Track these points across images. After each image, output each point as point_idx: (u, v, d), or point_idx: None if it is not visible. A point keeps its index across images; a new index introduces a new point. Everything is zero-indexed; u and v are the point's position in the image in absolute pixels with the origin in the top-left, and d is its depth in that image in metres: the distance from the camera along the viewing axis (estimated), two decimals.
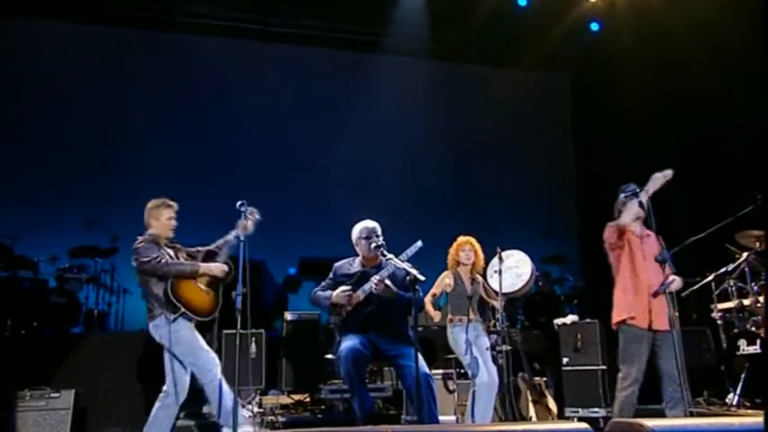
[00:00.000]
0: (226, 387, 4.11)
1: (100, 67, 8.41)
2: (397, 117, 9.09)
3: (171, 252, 4.36)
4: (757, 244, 5.36)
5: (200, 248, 4.49)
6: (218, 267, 4.31)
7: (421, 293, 4.31)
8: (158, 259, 4.15)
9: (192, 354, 4.17)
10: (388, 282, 4.18)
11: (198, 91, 8.66)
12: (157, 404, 4.18)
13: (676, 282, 4.25)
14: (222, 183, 7.99)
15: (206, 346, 4.26)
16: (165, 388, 4.17)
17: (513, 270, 5.03)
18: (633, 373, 4.16)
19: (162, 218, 4.37)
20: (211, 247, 4.45)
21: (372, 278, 4.20)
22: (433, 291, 4.96)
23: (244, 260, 4.09)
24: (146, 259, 4.14)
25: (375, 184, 8.92)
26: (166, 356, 4.20)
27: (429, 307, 4.93)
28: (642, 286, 4.21)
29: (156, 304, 4.18)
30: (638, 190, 4.36)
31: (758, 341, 5.12)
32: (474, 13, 8.09)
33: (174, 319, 4.12)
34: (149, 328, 4.23)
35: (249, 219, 4.22)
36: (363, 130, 8.90)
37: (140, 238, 4.27)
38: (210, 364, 4.18)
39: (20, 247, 6.84)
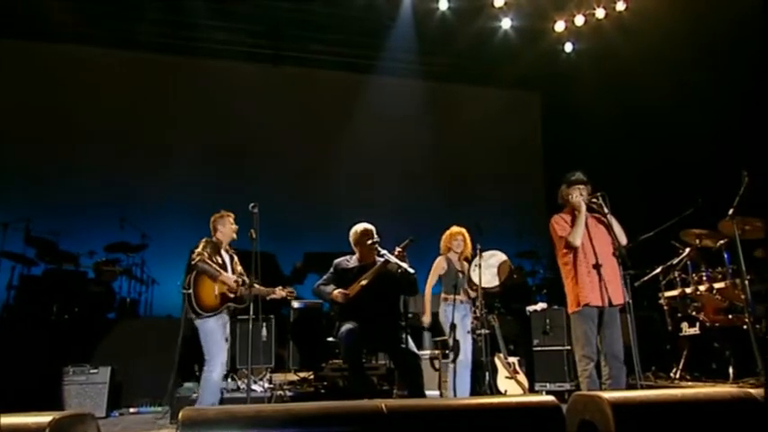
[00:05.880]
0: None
1: (131, 87, 8.44)
2: (391, 131, 9.09)
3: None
4: (697, 241, 5.43)
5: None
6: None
7: (419, 285, 4.41)
8: None
9: None
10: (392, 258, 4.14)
11: (217, 107, 8.66)
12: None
13: None
14: (238, 189, 7.97)
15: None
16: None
17: (494, 269, 5.02)
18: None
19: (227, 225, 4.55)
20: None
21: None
22: (431, 279, 5.02)
23: (255, 253, 4.23)
24: None
25: (372, 189, 8.95)
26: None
27: (427, 298, 4.98)
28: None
29: None
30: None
31: (698, 324, 5.25)
32: (457, 39, 8.16)
33: None
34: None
35: None
36: (362, 142, 8.99)
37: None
38: None
39: (63, 243, 6.89)
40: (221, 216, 4.59)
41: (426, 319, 5.05)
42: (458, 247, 5.07)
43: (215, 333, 4.26)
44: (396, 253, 4.16)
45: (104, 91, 8.29)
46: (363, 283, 4.24)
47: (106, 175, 8.07)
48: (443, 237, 5.18)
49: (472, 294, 5.04)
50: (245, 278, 4.53)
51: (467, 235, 5.14)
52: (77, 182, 8.00)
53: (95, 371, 5.17)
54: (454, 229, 5.16)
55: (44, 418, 1.67)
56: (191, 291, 4.25)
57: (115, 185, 8.02)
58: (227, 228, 4.55)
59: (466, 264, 5.14)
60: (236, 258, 4.63)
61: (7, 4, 7.47)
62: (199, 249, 4.37)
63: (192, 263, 4.30)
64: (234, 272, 4.55)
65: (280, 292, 4.54)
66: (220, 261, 4.46)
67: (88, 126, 8.14)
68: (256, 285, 4.45)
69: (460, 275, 5.05)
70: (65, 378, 5.02)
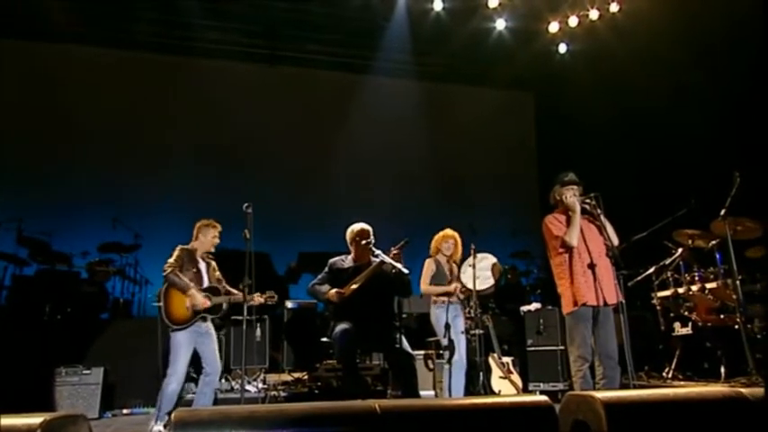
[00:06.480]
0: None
1: (130, 87, 8.41)
2: (387, 131, 9.09)
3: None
4: (690, 241, 5.44)
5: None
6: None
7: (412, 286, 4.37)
8: None
9: None
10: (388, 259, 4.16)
11: (213, 107, 8.63)
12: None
13: None
14: (233, 189, 7.91)
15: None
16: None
17: (485, 272, 5.02)
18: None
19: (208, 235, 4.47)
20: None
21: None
22: (424, 279, 5.01)
23: (249, 254, 4.21)
24: None
25: (367, 189, 8.96)
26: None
27: (433, 288, 4.96)
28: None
29: None
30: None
31: (690, 324, 5.27)
32: (451, 40, 8.18)
33: None
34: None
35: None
36: (358, 142, 8.99)
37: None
38: None
39: (56, 244, 6.88)
40: (207, 225, 4.49)
41: (455, 284, 4.95)
42: (447, 249, 5.08)
43: (182, 347, 4.21)
44: (391, 254, 4.16)
45: (103, 91, 8.25)
46: (358, 283, 4.23)
47: (100, 175, 8.04)
48: (434, 238, 5.18)
49: (461, 296, 5.03)
50: (225, 285, 4.48)
51: (458, 239, 5.13)
52: (70, 181, 7.97)
53: (88, 371, 5.12)
54: (447, 231, 5.15)
55: (35, 420, 1.66)
56: (161, 304, 4.20)
57: (108, 185, 7.99)
58: (208, 238, 4.46)
59: (455, 266, 5.14)
60: (213, 264, 4.55)
61: (7, 4, 7.47)
62: (171, 260, 4.30)
63: (164, 274, 4.24)
64: (210, 279, 4.46)
65: (258, 299, 4.44)
66: (195, 270, 4.38)
67: (86, 126, 8.10)
68: (234, 292, 4.40)
69: (450, 277, 5.06)
70: (57, 379, 4.97)
